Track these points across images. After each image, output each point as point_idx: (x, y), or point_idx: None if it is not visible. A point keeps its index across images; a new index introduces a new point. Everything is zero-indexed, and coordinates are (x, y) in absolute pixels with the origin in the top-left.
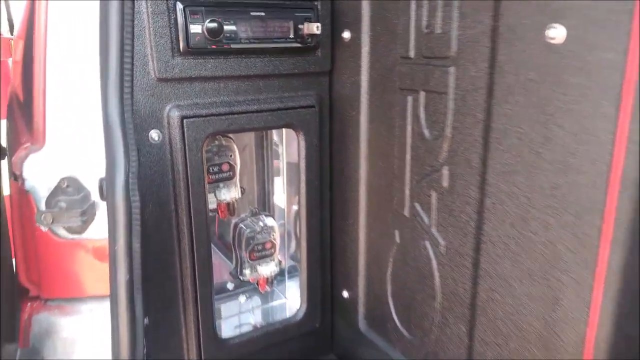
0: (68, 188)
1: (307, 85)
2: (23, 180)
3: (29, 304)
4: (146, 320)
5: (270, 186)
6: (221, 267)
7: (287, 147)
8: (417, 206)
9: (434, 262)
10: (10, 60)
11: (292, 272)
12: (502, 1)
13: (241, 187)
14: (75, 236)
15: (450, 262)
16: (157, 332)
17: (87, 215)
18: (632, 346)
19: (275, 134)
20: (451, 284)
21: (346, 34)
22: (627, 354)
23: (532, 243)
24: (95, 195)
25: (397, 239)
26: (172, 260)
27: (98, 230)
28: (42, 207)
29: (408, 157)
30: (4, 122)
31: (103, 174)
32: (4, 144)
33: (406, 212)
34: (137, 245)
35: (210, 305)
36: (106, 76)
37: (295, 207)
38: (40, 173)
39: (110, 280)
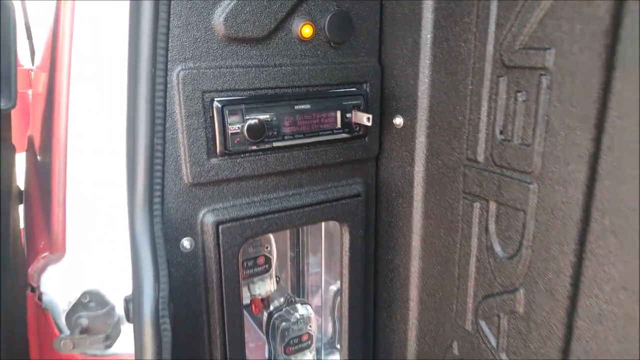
0: (90, 303)
1: (353, 173)
2: (41, 293)
3: None
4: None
5: (305, 267)
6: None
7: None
8: (483, 324)
9: None
10: (30, 92)
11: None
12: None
13: (277, 277)
14: (99, 354)
15: None
16: None
17: (111, 339)
18: None
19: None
20: None
21: (398, 120)
22: None
23: None
24: (120, 309)
25: (456, 352)
26: None
27: (123, 346)
28: (62, 321)
29: (473, 268)
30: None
31: (129, 289)
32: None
33: (468, 327)
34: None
35: None
36: (133, 186)
37: (333, 288)
38: (60, 286)
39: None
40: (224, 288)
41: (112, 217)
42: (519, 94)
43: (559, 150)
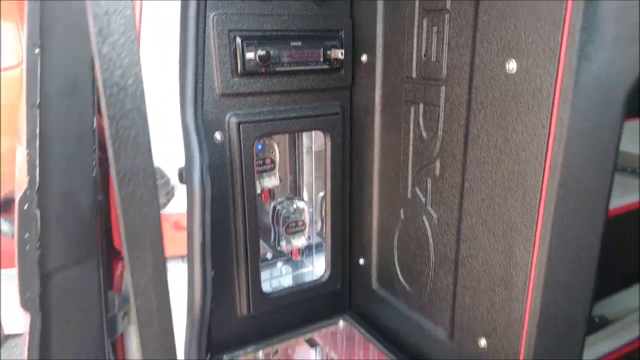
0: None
1: (333, 98)
2: None
3: (120, 262)
4: (212, 273)
5: (300, 178)
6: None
7: (315, 146)
8: (417, 190)
9: (429, 231)
10: None
11: (318, 247)
12: (477, 43)
13: (279, 177)
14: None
15: (441, 230)
16: (216, 287)
17: (170, 195)
18: (561, 282)
19: (305, 137)
20: (441, 247)
21: (364, 57)
22: (557, 288)
23: (496, 213)
24: (174, 181)
25: (402, 216)
26: (229, 232)
27: (175, 207)
28: None
29: (411, 153)
30: None
31: (181, 165)
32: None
33: (409, 195)
34: (208, 218)
35: (257, 268)
36: (184, 93)
37: (321, 194)
38: None
39: (187, 244)
40: (244, 171)
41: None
42: (433, 28)
43: (455, 62)
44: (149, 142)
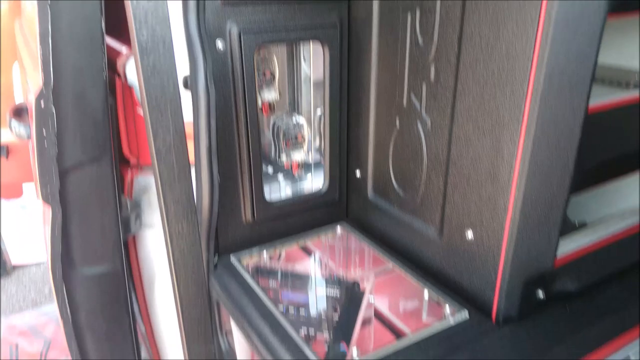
0: None
1: (331, 10)
2: (125, 78)
3: (129, 170)
4: (219, 178)
5: (299, 95)
6: None
7: (313, 63)
8: (412, 96)
9: (423, 136)
10: None
11: (317, 165)
12: None
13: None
14: None
15: (434, 134)
16: (222, 193)
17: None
18: (543, 171)
19: (304, 64)
20: (434, 149)
21: None
22: (539, 176)
23: (486, 111)
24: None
25: (397, 125)
26: (233, 141)
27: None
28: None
29: (407, 59)
30: None
31: (186, 73)
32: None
33: (404, 103)
34: (213, 124)
35: (259, 176)
36: (187, 3)
37: (319, 111)
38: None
39: (195, 149)
40: (245, 80)
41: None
42: None
43: None
44: (167, 13)
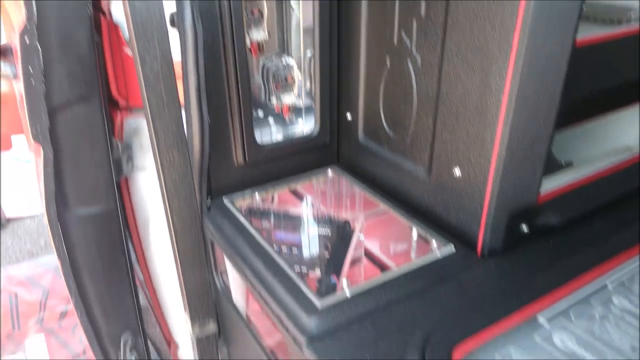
0: None
1: None
2: (111, 16)
3: (119, 112)
4: (209, 120)
5: (289, 36)
6: None
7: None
8: (403, 34)
9: (413, 75)
10: None
11: (308, 110)
12: None
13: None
14: None
15: (424, 72)
16: (212, 136)
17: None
18: (529, 105)
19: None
20: (424, 88)
21: None
22: (526, 110)
23: (475, 45)
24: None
25: (388, 64)
26: (221, 78)
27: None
28: (126, 32)
29: (397, 3)
30: None
31: (172, 10)
32: None
33: (395, 41)
34: (202, 62)
35: (250, 118)
36: None
37: (309, 52)
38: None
39: (184, 89)
40: (233, 18)
41: None
42: None
43: None
44: None
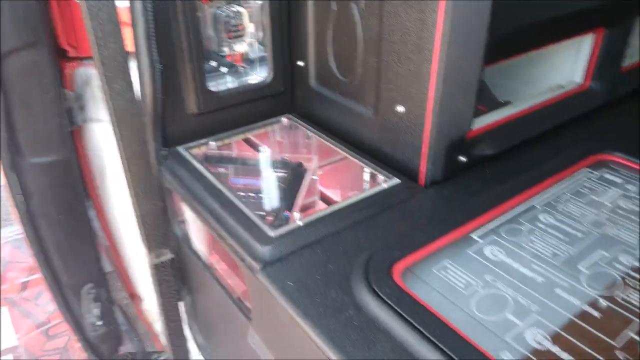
0: None
1: None
2: None
3: (68, 63)
4: (159, 67)
5: None
6: None
7: None
8: None
9: (358, 17)
10: None
11: (262, 60)
12: None
13: None
14: None
15: (368, 14)
16: (164, 84)
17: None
18: (460, 39)
19: None
20: (368, 29)
21: None
22: (456, 52)
23: None
24: None
25: (334, 8)
26: (169, 24)
27: (120, 3)
28: None
29: None
30: None
31: None
32: None
33: None
34: (149, 5)
35: (201, 64)
36: None
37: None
38: None
39: (133, 34)
40: None
41: None
42: None
43: None
44: None
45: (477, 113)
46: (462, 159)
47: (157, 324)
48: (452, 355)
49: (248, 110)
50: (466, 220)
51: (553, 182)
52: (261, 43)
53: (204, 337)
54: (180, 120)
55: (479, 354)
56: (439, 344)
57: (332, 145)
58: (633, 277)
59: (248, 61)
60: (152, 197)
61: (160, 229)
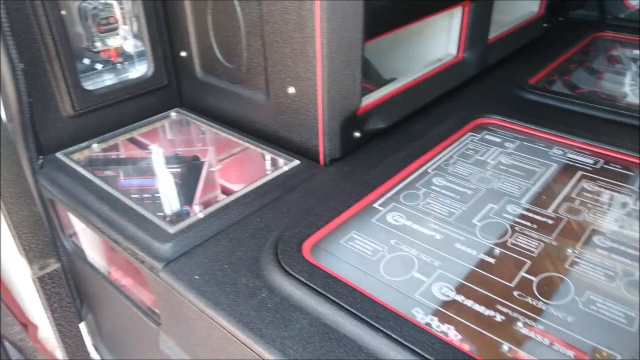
0: None
1: None
2: None
3: None
4: (21, 65)
5: None
6: None
7: None
8: None
9: (237, 3)
10: None
11: (141, 55)
12: None
13: None
14: None
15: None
16: (30, 85)
17: None
18: (337, 21)
19: None
20: (248, 12)
21: None
22: (336, 27)
23: None
24: None
25: None
26: (29, 18)
27: None
28: None
29: None
30: None
31: None
32: None
33: None
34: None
35: (71, 60)
36: None
37: None
38: None
39: None
40: None
41: None
42: None
43: None
44: None
45: (366, 92)
46: (357, 134)
47: (58, 350)
48: (368, 320)
49: (132, 107)
50: (367, 192)
51: (441, 147)
52: (138, 36)
53: (113, 355)
54: (55, 124)
55: (393, 314)
56: (354, 311)
57: (228, 136)
58: (520, 224)
59: (126, 56)
60: (26, 205)
61: (39, 237)
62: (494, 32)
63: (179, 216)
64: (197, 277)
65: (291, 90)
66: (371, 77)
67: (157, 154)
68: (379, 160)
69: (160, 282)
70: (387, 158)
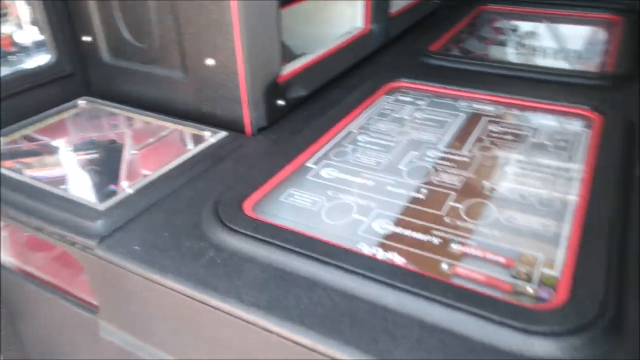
0: None
1: None
2: None
3: None
4: None
5: None
6: None
7: None
8: None
9: None
10: None
11: (41, 45)
12: None
13: None
14: None
15: None
16: None
17: None
18: None
19: None
20: None
21: None
22: None
23: None
24: None
25: None
26: None
27: None
28: None
29: None
30: None
31: None
32: None
33: None
34: None
35: None
36: None
37: None
38: None
39: None
40: None
41: None
42: None
43: None
44: None
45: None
46: (281, 102)
47: None
48: (320, 257)
49: (34, 98)
50: (298, 153)
51: (360, 110)
52: (34, 22)
53: None
54: None
55: (341, 249)
56: (304, 252)
57: (144, 117)
58: (441, 165)
59: (20, 45)
60: None
61: None
62: (395, 7)
63: (106, 196)
64: (137, 247)
65: (210, 62)
66: (283, 55)
67: (67, 144)
68: (305, 126)
69: (97, 260)
70: (311, 123)
